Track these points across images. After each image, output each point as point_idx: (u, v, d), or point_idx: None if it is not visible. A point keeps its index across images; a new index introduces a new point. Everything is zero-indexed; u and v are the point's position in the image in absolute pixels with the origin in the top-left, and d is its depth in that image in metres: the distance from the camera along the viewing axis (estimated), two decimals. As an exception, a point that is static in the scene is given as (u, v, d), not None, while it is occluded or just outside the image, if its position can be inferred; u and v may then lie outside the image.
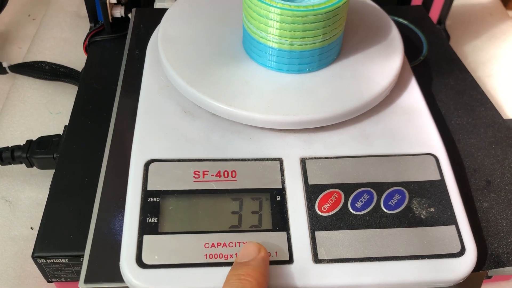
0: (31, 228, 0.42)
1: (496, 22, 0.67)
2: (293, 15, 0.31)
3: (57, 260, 0.33)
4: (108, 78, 0.45)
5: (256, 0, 0.31)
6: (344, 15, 0.33)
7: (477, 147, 0.37)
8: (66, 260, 0.33)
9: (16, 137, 0.49)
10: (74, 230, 0.34)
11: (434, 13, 0.56)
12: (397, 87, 0.36)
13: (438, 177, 0.31)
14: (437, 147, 0.32)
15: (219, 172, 0.31)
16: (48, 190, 0.37)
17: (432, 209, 0.30)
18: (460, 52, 0.63)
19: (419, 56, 0.44)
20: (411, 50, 0.44)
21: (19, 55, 0.61)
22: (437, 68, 0.43)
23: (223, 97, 0.32)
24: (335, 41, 0.34)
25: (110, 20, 0.51)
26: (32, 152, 0.42)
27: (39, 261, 0.33)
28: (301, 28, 0.31)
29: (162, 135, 0.32)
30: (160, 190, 0.30)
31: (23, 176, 0.46)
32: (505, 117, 0.52)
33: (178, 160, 0.31)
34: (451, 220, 0.29)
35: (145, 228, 0.28)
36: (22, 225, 0.42)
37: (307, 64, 0.34)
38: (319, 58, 0.34)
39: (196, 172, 0.30)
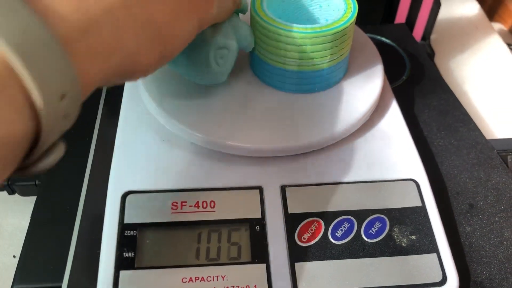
0: (14, 256, 0.42)
1: (481, 36, 0.68)
2: (301, 37, 0.31)
3: (37, 292, 0.33)
4: (89, 102, 0.44)
5: (265, 23, 0.31)
6: (351, 35, 0.33)
7: (460, 169, 0.36)
8: (46, 292, 0.33)
9: (-2, 163, 0.48)
10: (54, 260, 0.33)
11: (419, 29, 0.56)
12: (377, 111, 0.36)
13: (419, 203, 0.31)
14: (418, 172, 0.32)
15: (197, 202, 0.30)
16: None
17: (413, 237, 0.30)
18: (445, 67, 0.63)
19: (402, 76, 0.44)
20: (394, 70, 0.44)
21: None
22: (420, 88, 0.43)
23: (200, 125, 0.32)
24: (342, 61, 0.34)
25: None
26: (13, 179, 0.41)
27: (19, 293, 0.33)
28: (310, 49, 0.32)
29: (140, 165, 0.32)
30: (137, 223, 0.29)
31: (5, 203, 0.45)
32: (489, 132, 0.53)
33: (156, 191, 0.30)
34: (433, 248, 0.29)
35: (122, 263, 0.28)
36: (4, 253, 0.42)
37: (316, 84, 0.34)
38: (327, 78, 0.34)
39: (174, 203, 0.30)
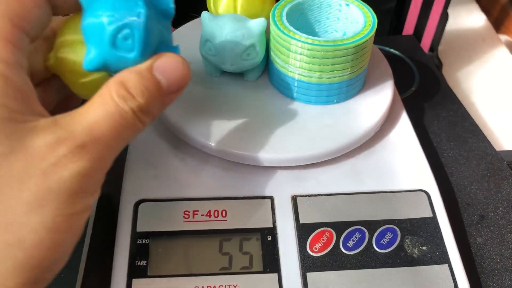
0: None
1: (488, 48, 0.68)
2: (323, 50, 0.31)
3: (47, 300, 0.33)
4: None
5: (285, 36, 0.32)
6: (370, 48, 0.34)
7: (470, 180, 0.36)
8: (56, 300, 0.33)
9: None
10: (65, 269, 0.33)
11: (426, 41, 0.56)
12: (388, 122, 0.36)
13: (430, 214, 0.31)
14: (429, 183, 0.32)
15: (209, 211, 0.30)
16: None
17: (424, 248, 0.30)
18: (453, 78, 0.63)
19: (411, 87, 0.45)
20: (403, 81, 0.44)
21: None
22: (429, 99, 0.43)
23: (213, 135, 0.32)
24: (361, 73, 0.35)
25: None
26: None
27: (29, 301, 0.33)
28: (330, 62, 0.32)
29: (152, 173, 0.32)
30: (150, 232, 0.29)
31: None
32: (498, 143, 0.53)
33: (168, 200, 0.31)
34: (444, 259, 0.29)
35: (134, 271, 0.28)
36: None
37: (335, 96, 0.34)
38: (347, 90, 0.34)
39: (186, 212, 0.30)
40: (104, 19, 0.23)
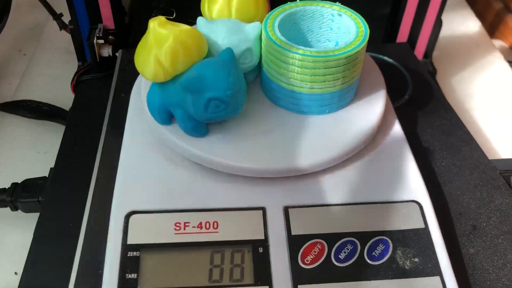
0: (15, 273, 0.42)
1: (482, 53, 0.68)
2: (314, 61, 0.31)
3: (38, 309, 0.33)
4: (95, 119, 0.45)
5: (277, 46, 0.32)
6: (362, 58, 0.34)
7: (463, 190, 0.36)
8: (47, 310, 0.33)
9: (2, 179, 0.48)
10: (57, 278, 0.33)
11: (420, 48, 0.57)
12: (380, 132, 0.36)
13: (422, 225, 0.31)
14: (421, 194, 0.32)
15: (200, 223, 0.30)
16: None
17: (416, 259, 0.30)
18: (447, 84, 0.63)
19: (404, 95, 0.45)
20: (396, 89, 0.44)
21: (9, 91, 0.61)
22: (423, 107, 0.43)
23: (205, 145, 0.32)
24: (353, 83, 0.35)
25: (98, 60, 0.51)
26: (17, 196, 0.42)
27: (21, 310, 0.33)
28: (322, 72, 0.32)
29: (143, 185, 0.32)
30: (140, 244, 0.29)
31: (8, 219, 0.45)
32: (491, 150, 0.53)
33: (159, 211, 0.31)
34: (436, 270, 0.29)
35: (125, 285, 0.28)
36: (6, 270, 0.42)
37: (327, 106, 0.34)
38: (338, 100, 0.34)
39: (177, 224, 0.30)
40: None
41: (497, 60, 0.67)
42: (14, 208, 0.42)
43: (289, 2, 0.36)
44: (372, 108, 0.35)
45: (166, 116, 0.33)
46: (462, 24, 0.74)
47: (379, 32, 0.59)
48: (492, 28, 0.78)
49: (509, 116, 0.58)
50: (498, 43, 0.75)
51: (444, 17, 0.72)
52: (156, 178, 0.32)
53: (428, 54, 0.57)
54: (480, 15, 0.77)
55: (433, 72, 0.57)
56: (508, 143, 0.54)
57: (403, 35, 0.55)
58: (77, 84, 0.52)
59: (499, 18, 0.77)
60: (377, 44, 0.52)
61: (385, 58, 0.48)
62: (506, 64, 0.66)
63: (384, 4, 0.59)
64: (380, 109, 0.35)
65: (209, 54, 0.33)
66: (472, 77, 0.64)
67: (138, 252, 0.29)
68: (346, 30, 0.35)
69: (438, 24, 0.54)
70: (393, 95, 0.43)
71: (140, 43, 0.32)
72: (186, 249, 0.29)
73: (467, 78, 0.64)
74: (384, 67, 0.40)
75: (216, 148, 0.32)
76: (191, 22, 0.34)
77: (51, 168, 0.43)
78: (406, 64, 0.48)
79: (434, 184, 0.37)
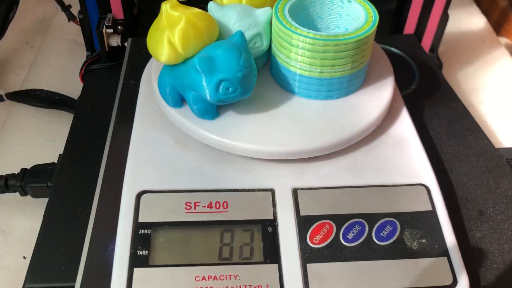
0: (24, 257, 0.42)
1: (488, 49, 0.68)
2: (324, 45, 0.31)
3: (48, 291, 0.33)
4: (103, 107, 0.45)
5: (287, 30, 0.32)
6: (371, 44, 0.34)
7: (469, 177, 0.37)
8: (57, 291, 0.33)
9: (11, 165, 0.49)
10: (66, 261, 0.34)
11: (427, 41, 0.57)
12: (388, 117, 0.36)
13: (429, 208, 0.31)
14: (428, 177, 0.33)
15: (210, 203, 0.31)
16: (42, 219, 0.37)
17: (423, 241, 0.30)
18: (453, 79, 0.63)
19: (411, 85, 0.45)
20: (403, 79, 0.45)
21: (17, 82, 0.62)
22: (429, 97, 0.44)
23: (215, 127, 0.32)
24: (362, 69, 0.35)
25: (107, 49, 0.52)
26: (26, 181, 0.42)
27: (31, 292, 0.33)
28: (332, 56, 0.32)
29: (154, 166, 0.32)
30: (152, 222, 0.30)
31: (17, 205, 0.46)
32: (497, 143, 0.53)
33: (170, 191, 0.31)
34: (443, 251, 0.29)
35: (136, 261, 0.28)
36: (15, 255, 0.42)
37: (336, 91, 0.35)
38: (348, 85, 0.35)
39: (188, 203, 0.30)
40: None
41: (503, 56, 0.67)
42: (24, 193, 0.43)
43: None
44: (380, 94, 0.36)
45: (177, 99, 0.34)
46: (468, 20, 0.74)
47: (386, 25, 0.59)
48: (497, 25, 0.78)
49: (514, 109, 0.58)
50: (503, 40, 0.76)
51: (450, 14, 0.73)
52: (166, 159, 0.33)
53: (434, 48, 0.57)
54: (486, 12, 0.77)
55: (439, 66, 0.58)
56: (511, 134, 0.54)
57: (409, 29, 0.56)
58: (86, 73, 0.52)
59: (504, 15, 0.77)
60: (384, 36, 0.53)
61: (392, 49, 0.48)
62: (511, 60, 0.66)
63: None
64: (388, 95, 0.35)
65: (220, 38, 0.33)
66: (477, 72, 0.65)
67: (149, 230, 0.29)
68: (356, 16, 0.35)
69: (444, 18, 0.55)
70: (400, 85, 0.43)
71: (152, 26, 0.32)
72: (196, 227, 0.30)
73: (472, 73, 0.64)
74: (391, 57, 0.40)
75: (226, 131, 0.32)
76: (203, 7, 0.35)
77: (60, 154, 0.43)
78: (413, 55, 0.48)
79: (441, 170, 0.37)
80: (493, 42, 0.70)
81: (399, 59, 0.48)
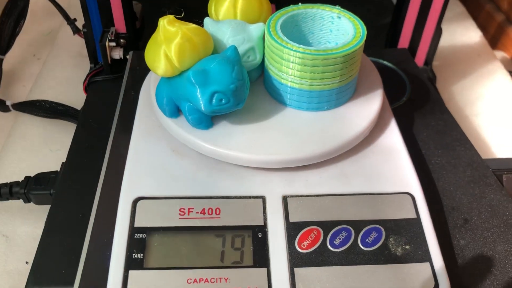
0: (26, 262, 0.43)
1: (483, 63, 0.70)
2: (313, 59, 0.33)
3: (48, 294, 0.34)
4: (105, 117, 0.47)
5: (278, 44, 0.34)
6: (359, 58, 0.36)
7: (456, 186, 0.38)
8: (57, 294, 0.34)
9: (16, 173, 0.51)
10: (66, 265, 0.35)
11: (421, 55, 0.58)
12: (377, 128, 0.37)
13: (414, 215, 0.32)
14: (414, 186, 0.34)
15: (203, 209, 0.32)
16: (44, 225, 0.38)
17: (407, 247, 0.31)
18: (448, 92, 0.65)
19: (402, 97, 0.46)
20: (395, 92, 0.46)
21: (23, 93, 0.64)
22: (420, 109, 0.45)
23: (209, 137, 0.34)
24: (351, 82, 0.36)
25: (109, 62, 0.53)
26: (29, 188, 0.43)
27: (32, 294, 0.34)
28: (321, 70, 0.34)
29: (150, 173, 0.34)
30: (147, 227, 0.31)
31: (20, 212, 0.47)
32: (491, 154, 0.54)
33: (165, 198, 0.32)
34: (426, 257, 0.31)
35: (131, 264, 0.29)
36: (18, 260, 0.44)
37: (326, 103, 0.36)
38: (337, 97, 0.36)
39: (182, 209, 0.32)
40: None
41: (498, 69, 0.68)
42: (27, 200, 0.44)
43: (291, 5, 0.38)
44: (369, 106, 0.37)
45: (173, 110, 0.35)
46: (464, 35, 0.76)
47: (382, 39, 0.61)
48: (494, 39, 0.80)
49: (509, 122, 0.59)
50: (500, 54, 0.77)
51: (446, 28, 0.74)
52: (162, 167, 0.34)
53: (428, 61, 0.59)
54: (482, 27, 0.79)
55: (432, 78, 0.59)
56: (506, 146, 0.55)
57: (404, 42, 0.57)
58: (89, 85, 0.54)
59: (501, 29, 0.79)
60: (378, 49, 0.54)
61: (385, 62, 0.50)
62: (506, 73, 0.67)
63: (387, 12, 0.61)
64: (376, 107, 0.37)
65: (215, 51, 0.35)
66: (472, 84, 0.66)
67: (144, 235, 0.31)
68: (345, 32, 0.37)
69: (438, 32, 0.56)
70: (392, 98, 0.45)
71: (150, 40, 0.34)
72: (189, 232, 0.31)
73: (468, 86, 0.66)
74: (384, 71, 0.42)
75: (219, 140, 0.34)
76: (199, 22, 0.36)
77: (62, 163, 0.45)
78: (405, 68, 0.50)
79: (428, 180, 0.38)
80: (489, 55, 0.71)
81: (392, 73, 0.49)
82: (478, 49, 0.73)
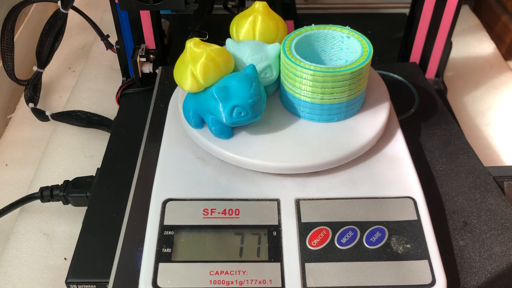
0: (65, 258, 0.47)
1: (495, 74, 0.72)
2: (324, 75, 0.37)
3: (86, 286, 0.39)
4: (136, 127, 0.51)
5: (292, 63, 0.38)
6: (366, 74, 0.39)
7: (458, 192, 0.41)
8: (94, 286, 0.39)
9: (55, 177, 0.55)
10: (102, 260, 0.39)
11: (432, 67, 0.61)
12: (383, 138, 0.41)
13: (415, 217, 0.36)
14: (416, 191, 0.37)
15: (224, 210, 0.36)
16: (81, 225, 0.43)
17: (408, 245, 0.34)
18: (460, 102, 0.67)
19: (410, 109, 0.49)
20: (404, 104, 0.49)
21: (59, 103, 0.69)
22: (427, 120, 0.48)
23: (230, 146, 0.38)
24: (359, 95, 0.40)
25: (140, 76, 0.58)
26: (68, 191, 0.48)
27: (71, 286, 0.39)
28: (331, 85, 0.37)
29: (178, 177, 0.38)
30: (175, 225, 0.35)
31: (59, 212, 0.51)
32: (501, 162, 0.57)
33: (191, 199, 0.36)
34: (425, 255, 0.34)
35: (161, 257, 0.34)
36: (57, 256, 0.48)
37: (336, 115, 0.40)
38: (346, 110, 0.40)
39: (205, 210, 0.36)
40: None
41: (510, 80, 0.70)
42: (66, 202, 0.49)
43: (305, 26, 0.42)
44: (376, 118, 0.40)
45: (198, 121, 0.39)
46: (478, 46, 0.78)
47: (395, 52, 0.64)
48: (510, 49, 0.81)
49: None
50: (514, 65, 0.79)
51: (460, 40, 0.77)
52: (189, 172, 0.38)
53: (439, 73, 0.62)
54: (498, 37, 0.80)
55: (444, 90, 0.62)
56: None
57: (415, 56, 0.60)
58: (121, 97, 0.58)
59: (516, 41, 0.80)
60: (389, 64, 0.57)
61: (395, 76, 0.53)
62: (521, 85, 0.69)
63: (401, 27, 0.64)
64: (383, 118, 0.40)
65: (235, 69, 0.39)
66: (484, 95, 0.68)
67: (172, 232, 0.35)
68: (354, 50, 0.40)
69: (448, 46, 0.59)
70: (401, 109, 0.48)
71: (178, 60, 0.38)
72: (212, 230, 0.35)
73: (479, 96, 0.68)
74: (393, 84, 0.45)
75: (239, 148, 0.38)
76: (221, 43, 0.40)
77: (97, 168, 0.49)
78: (414, 81, 0.53)
79: (432, 186, 0.41)
80: (501, 67, 0.73)
81: (401, 85, 0.52)
82: (491, 61, 0.75)
